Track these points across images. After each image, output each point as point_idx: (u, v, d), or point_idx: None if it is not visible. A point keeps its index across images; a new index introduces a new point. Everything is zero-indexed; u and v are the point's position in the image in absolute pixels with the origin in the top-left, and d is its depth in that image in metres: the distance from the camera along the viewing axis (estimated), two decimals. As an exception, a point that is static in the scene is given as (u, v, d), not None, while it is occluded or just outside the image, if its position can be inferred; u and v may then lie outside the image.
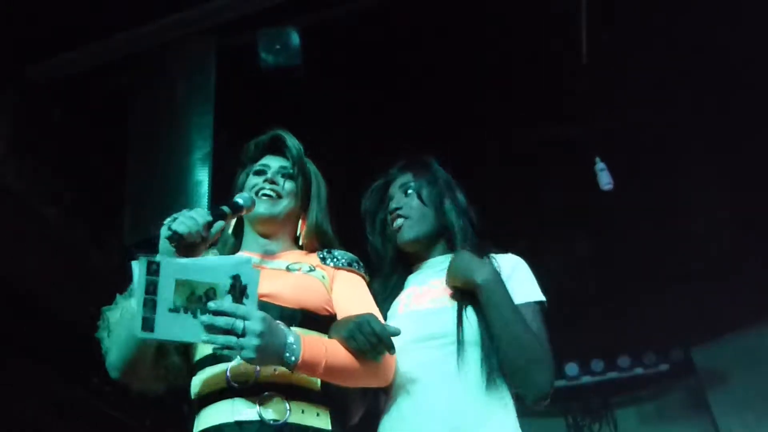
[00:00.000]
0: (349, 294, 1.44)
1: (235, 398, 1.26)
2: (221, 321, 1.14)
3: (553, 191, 4.37)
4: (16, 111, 2.95)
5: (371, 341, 1.26)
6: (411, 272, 1.65)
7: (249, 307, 1.17)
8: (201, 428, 1.28)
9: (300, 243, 1.56)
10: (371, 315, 1.32)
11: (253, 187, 1.50)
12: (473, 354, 1.44)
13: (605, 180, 3.77)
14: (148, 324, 1.14)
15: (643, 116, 4.07)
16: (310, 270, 1.45)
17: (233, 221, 1.47)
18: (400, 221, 1.60)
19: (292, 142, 1.56)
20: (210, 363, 1.33)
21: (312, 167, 1.59)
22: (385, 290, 1.60)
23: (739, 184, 4.40)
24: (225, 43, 2.91)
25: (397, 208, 1.61)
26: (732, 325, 5.46)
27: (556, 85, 3.73)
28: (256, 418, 1.23)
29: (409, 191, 1.63)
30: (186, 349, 1.38)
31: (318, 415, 1.30)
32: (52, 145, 3.08)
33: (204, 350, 1.34)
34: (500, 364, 1.44)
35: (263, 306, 1.27)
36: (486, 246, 1.64)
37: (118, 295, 1.46)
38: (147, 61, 2.99)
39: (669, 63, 3.65)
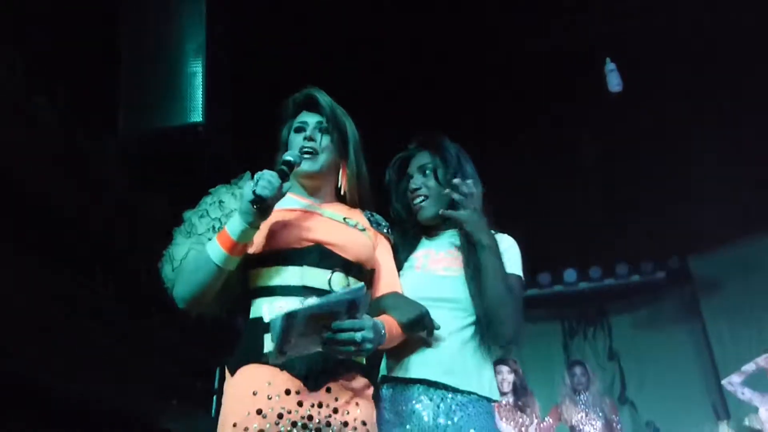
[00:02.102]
0: (386, 260, 1.72)
1: None
2: (343, 336, 1.35)
3: (559, 98, 4.15)
4: (4, 5, 2.82)
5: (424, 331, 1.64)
6: (426, 234, 1.88)
7: (362, 319, 1.39)
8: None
9: (342, 192, 1.73)
10: (426, 311, 1.62)
11: (296, 145, 1.66)
12: (472, 319, 1.72)
13: (615, 81, 3.66)
14: (282, 351, 1.33)
15: (654, 19, 3.82)
16: (363, 230, 1.67)
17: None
18: (420, 200, 1.83)
19: (324, 99, 1.68)
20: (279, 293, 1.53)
21: (347, 119, 1.72)
22: (404, 242, 1.84)
23: (747, 105, 4.24)
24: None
25: (417, 189, 1.83)
26: (728, 236, 5.58)
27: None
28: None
29: (427, 171, 1.85)
30: (246, 277, 1.57)
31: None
32: (44, 40, 2.97)
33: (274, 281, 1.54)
34: (482, 311, 1.70)
35: (328, 252, 1.54)
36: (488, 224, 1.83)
37: (176, 231, 1.61)
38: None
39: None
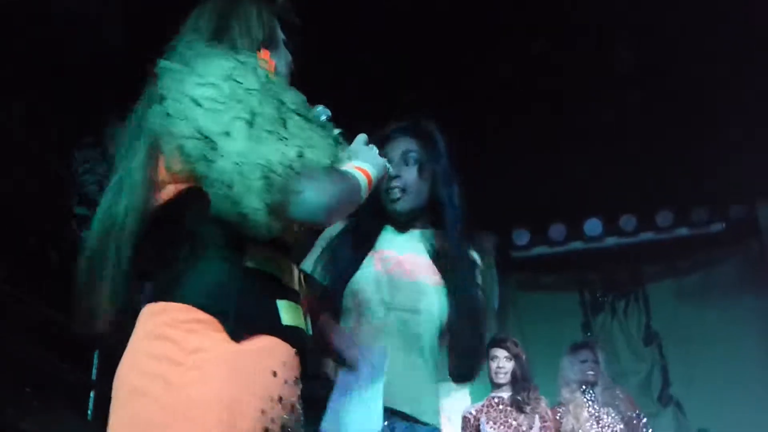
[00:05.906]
0: None
1: None
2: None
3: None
4: None
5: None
6: (391, 222, 1.94)
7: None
8: (290, 324, 1.42)
9: None
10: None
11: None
12: (435, 332, 1.80)
13: None
14: None
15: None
16: None
17: None
18: (398, 192, 1.87)
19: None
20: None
21: None
22: (362, 225, 1.89)
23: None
24: None
25: (397, 177, 1.88)
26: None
27: None
28: None
29: (411, 162, 1.90)
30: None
31: None
32: None
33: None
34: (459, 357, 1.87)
35: None
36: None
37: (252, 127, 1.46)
38: None
39: None
